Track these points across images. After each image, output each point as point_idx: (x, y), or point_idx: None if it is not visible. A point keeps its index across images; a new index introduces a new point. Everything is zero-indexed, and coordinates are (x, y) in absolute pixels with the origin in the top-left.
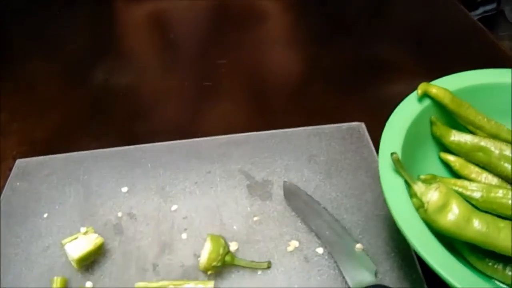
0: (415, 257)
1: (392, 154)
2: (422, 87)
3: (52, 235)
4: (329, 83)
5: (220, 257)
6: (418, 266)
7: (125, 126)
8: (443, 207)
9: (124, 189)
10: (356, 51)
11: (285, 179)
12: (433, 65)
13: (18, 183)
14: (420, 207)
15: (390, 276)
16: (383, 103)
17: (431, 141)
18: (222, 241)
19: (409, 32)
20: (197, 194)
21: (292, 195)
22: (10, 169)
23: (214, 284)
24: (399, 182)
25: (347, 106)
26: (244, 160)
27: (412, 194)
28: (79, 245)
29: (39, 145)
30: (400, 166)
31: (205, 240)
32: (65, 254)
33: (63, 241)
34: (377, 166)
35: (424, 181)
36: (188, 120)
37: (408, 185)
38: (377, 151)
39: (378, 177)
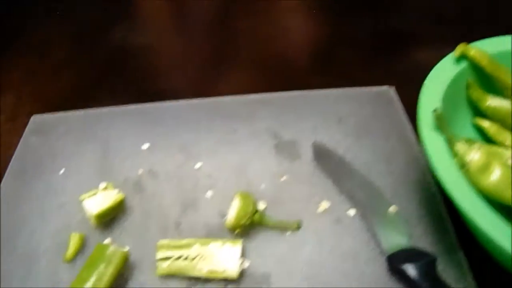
0: (449, 221)
1: (434, 110)
2: (460, 48)
3: (68, 191)
4: (355, 49)
5: (249, 215)
6: (453, 231)
7: (144, 84)
8: (485, 167)
9: (145, 147)
10: (384, 20)
11: (314, 140)
12: (461, 35)
13: (33, 139)
14: (461, 167)
15: (424, 241)
16: (411, 70)
17: (465, 106)
18: (252, 198)
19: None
20: (222, 153)
21: (322, 155)
22: (25, 126)
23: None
24: (440, 143)
25: (375, 72)
26: (271, 120)
27: (454, 154)
28: (99, 201)
29: (56, 102)
30: (443, 122)
31: (231, 198)
32: (82, 211)
33: (82, 197)
34: (408, 131)
35: None
36: (211, 80)
37: (449, 146)
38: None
39: (409, 142)
